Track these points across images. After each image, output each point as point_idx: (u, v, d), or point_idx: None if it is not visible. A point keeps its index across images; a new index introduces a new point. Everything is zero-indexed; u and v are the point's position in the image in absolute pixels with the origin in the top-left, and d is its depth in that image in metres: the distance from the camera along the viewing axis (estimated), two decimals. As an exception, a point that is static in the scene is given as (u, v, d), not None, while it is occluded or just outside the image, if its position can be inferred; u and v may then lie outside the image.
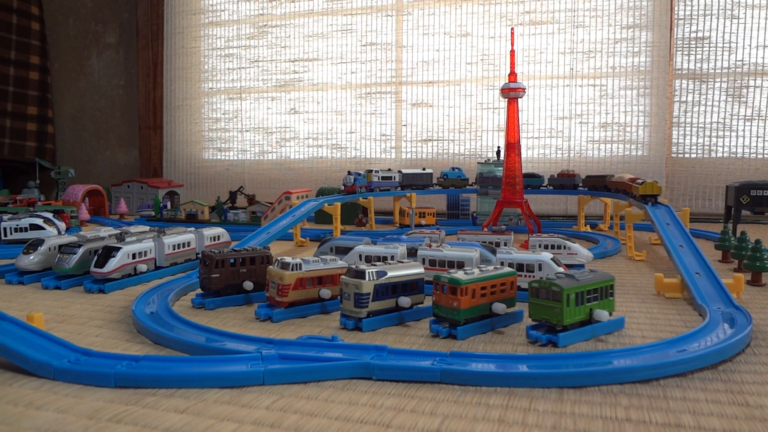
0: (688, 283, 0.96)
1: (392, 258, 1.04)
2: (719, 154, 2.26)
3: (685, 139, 2.29)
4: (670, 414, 0.54)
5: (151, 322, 0.80)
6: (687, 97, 2.27)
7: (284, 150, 2.80)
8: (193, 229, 1.34)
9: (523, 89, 1.55)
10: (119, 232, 1.27)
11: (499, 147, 2.01)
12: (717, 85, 2.24)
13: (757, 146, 2.21)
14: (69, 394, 0.59)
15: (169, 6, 2.93)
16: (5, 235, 1.58)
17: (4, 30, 3.03)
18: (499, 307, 0.79)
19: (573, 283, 0.73)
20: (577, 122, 2.38)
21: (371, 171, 1.90)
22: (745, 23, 2.20)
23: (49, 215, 1.65)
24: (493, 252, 1.03)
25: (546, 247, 1.19)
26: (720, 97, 2.24)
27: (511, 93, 1.55)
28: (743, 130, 2.22)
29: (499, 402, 0.56)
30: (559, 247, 1.19)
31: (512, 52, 1.58)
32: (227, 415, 0.54)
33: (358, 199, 1.87)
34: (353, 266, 0.83)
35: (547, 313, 0.73)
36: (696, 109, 2.27)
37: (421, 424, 0.52)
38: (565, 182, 1.91)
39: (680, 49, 2.26)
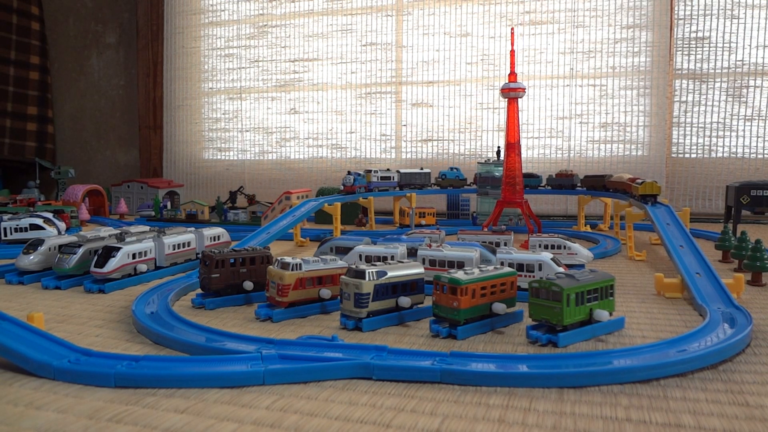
0: (688, 283, 0.96)
1: (392, 258, 1.04)
2: (719, 154, 2.26)
3: (685, 139, 2.29)
4: (671, 414, 0.54)
5: (151, 322, 0.80)
6: (687, 97, 2.27)
7: (284, 150, 2.80)
8: (193, 229, 1.34)
9: (523, 89, 1.55)
10: (119, 232, 1.27)
11: (499, 147, 2.01)
12: (717, 85, 2.24)
13: (757, 146, 2.22)
14: (69, 394, 0.59)
15: (169, 6, 2.93)
16: (5, 235, 1.57)
17: (4, 30, 3.03)
18: (499, 307, 0.79)
19: (573, 283, 0.73)
20: (577, 122, 2.37)
21: (370, 171, 1.90)
22: (745, 23, 2.20)
23: (49, 215, 1.65)
24: (493, 252, 1.03)
25: (546, 247, 1.19)
26: (720, 97, 2.24)
27: (511, 93, 1.55)
28: (743, 130, 2.22)
29: (499, 402, 0.56)
30: (559, 247, 1.19)
31: (512, 52, 1.58)
32: (227, 415, 0.54)
33: (358, 199, 1.87)
34: (353, 266, 0.83)
35: (547, 313, 0.73)
36: (696, 109, 2.27)
37: (421, 424, 0.52)
38: (563, 182, 1.91)
39: (680, 49, 2.26)
